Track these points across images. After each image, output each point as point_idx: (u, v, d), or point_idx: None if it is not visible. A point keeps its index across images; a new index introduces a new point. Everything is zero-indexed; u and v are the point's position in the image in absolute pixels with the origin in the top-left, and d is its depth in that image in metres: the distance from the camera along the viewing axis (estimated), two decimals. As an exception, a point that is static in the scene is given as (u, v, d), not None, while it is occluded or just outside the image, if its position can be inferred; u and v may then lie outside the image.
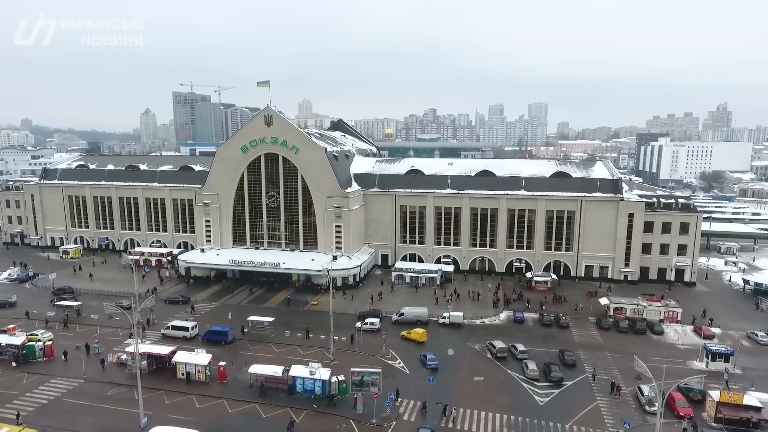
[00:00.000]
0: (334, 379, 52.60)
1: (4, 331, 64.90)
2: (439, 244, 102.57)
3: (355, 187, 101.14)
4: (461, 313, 74.90)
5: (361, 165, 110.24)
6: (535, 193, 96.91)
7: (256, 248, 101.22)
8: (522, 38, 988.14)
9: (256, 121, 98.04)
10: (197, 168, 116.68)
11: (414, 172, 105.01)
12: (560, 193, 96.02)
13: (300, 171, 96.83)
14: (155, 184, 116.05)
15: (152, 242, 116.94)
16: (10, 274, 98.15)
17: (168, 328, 68.99)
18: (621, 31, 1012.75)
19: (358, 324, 71.58)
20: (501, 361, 62.27)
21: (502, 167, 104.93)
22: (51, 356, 61.97)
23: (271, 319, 70.35)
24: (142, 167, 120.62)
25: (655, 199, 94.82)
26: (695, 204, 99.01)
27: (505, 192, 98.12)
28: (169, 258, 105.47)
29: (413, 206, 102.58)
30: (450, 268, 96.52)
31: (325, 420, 49.04)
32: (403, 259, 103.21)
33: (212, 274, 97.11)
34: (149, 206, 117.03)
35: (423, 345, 66.45)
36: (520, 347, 63.27)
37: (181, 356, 57.22)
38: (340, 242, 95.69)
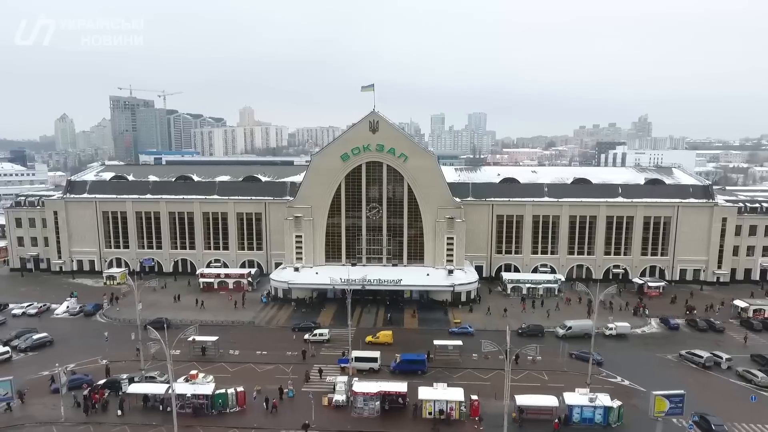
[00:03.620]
0: (615, 404, 48.82)
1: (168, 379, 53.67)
2: (536, 253, 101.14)
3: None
4: (628, 324, 73.79)
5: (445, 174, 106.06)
6: (634, 200, 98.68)
7: (353, 264, 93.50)
8: (428, 49, 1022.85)
9: (359, 127, 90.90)
10: (264, 178, 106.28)
11: (509, 181, 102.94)
12: (657, 200, 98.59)
13: (407, 180, 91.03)
14: (215, 196, 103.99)
15: (209, 262, 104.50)
16: (69, 307, 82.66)
17: (352, 359, 60.94)
18: (532, 45, 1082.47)
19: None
20: (710, 369, 61.74)
21: (591, 175, 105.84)
22: (243, 405, 52.07)
23: (458, 342, 64.58)
24: (196, 178, 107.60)
25: (741, 204, 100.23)
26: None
27: (605, 199, 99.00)
28: (249, 279, 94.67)
29: (510, 215, 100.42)
30: (561, 277, 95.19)
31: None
32: (499, 270, 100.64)
33: (314, 295, 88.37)
34: (207, 222, 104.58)
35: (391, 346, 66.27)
36: (725, 355, 63.12)
37: (427, 393, 50.32)
38: (452, 255, 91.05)
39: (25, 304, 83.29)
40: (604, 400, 48.89)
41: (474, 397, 50.73)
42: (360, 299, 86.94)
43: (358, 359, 60.27)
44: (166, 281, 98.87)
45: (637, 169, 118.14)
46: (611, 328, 72.57)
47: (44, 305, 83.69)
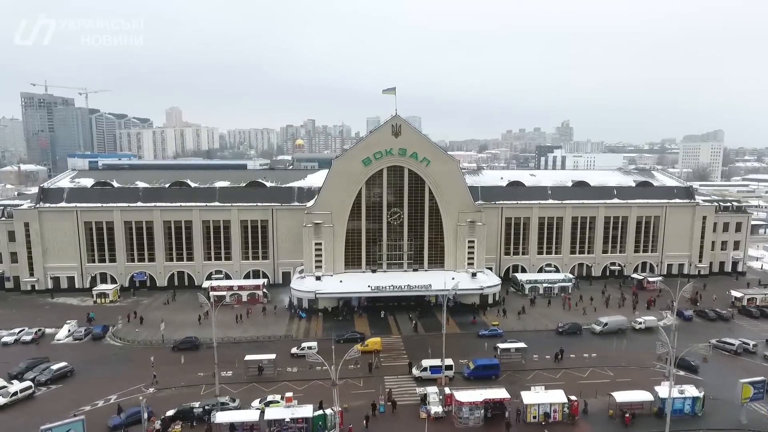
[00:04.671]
0: (701, 394, 51.90)
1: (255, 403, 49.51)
2: (541, 253, 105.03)
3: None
4: (654, 317, 78.75)
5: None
6: (628, 201, 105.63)
7: (374, 271, 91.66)
8: (355, 53, 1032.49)
9: (381, 131, 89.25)
10: (269, 184, 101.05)
11: (515, 184, 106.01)
12: (648, 201, 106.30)
13: (428, 185, 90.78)
14: (216, 203, 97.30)
15: (210, 274, 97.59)
16: (71, 331, 73.36)
17: (425, 369, 59.57)
18: (458, 50, 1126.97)
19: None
20: (740, 355, 67.58)
21: (588, 178, 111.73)
22: (341, 424, 49.05)
23: (521, 344, 65.31)
24: (193, 184, 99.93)
25: (716, 204, 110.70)
26: (745, 207, 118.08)
27: (603, 201, 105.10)
28: (265, 291, 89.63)
29: (518, 217, 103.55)
30: (572, 276, 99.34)
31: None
32: (507, 271, 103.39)
33: (340, 304, 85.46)
34: (206, 231, 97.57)
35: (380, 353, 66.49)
36: (751, 342, 69.34)
37: (531, 397, 50.44)
38: (473, 258, 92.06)
39: (16, 330, 72.76)
40: (691, 391, 51.88)
41: (573, 397, 51.61)
42: (384, 306, 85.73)
43: (436, 367, 59.19)
44: (168, 296, 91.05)
45: (622, 171, 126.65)
46: (640, 323, 77.11)
47: (39, 330, 73.61)
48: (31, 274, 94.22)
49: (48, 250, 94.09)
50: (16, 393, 53.99)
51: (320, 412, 48.17)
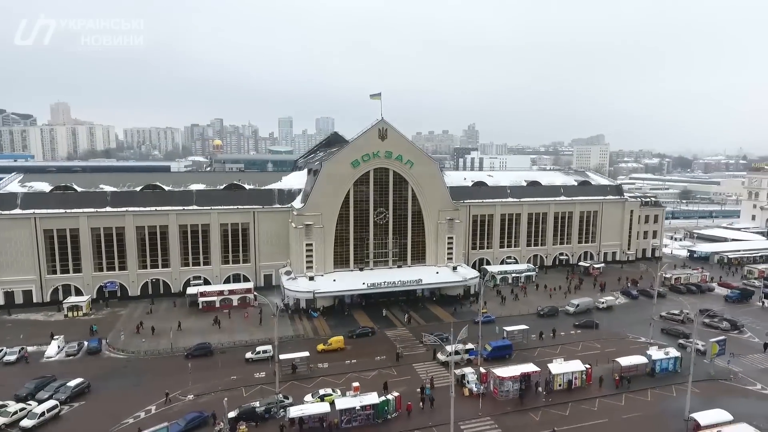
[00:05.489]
0: (678, 354, 63.07)
1: (314, 396, 51.23)
2: (503, 247, 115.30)
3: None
4: (613, 297, 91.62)
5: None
6: (572, 198, 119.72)
7: (361, 269, 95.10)
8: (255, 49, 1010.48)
9: (369, 135, 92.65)
10: (248, 186, 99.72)
11: (479, 184, 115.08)
12: (589, 198, 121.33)
13: (411, 185, 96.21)
14: (194, 207, 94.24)
15: (188, 280, 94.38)
16: (61, 347, 68.12)
17: (448, 354, 64.70)
18: (364, 52, 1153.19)
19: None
20: (684, 323, 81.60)
21: (537, 177, 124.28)
22: (399, 409, 52.68)
23: (524, 327, 73.08)
24: (166, 187, 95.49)
25: (639, 199, 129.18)
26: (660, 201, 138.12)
27: (553, 198, 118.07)
28: (255, 294, 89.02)
29: (483, 215, 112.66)
30: (533, 266, 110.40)
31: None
32: (474, 264, 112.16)
33: (336, 303, 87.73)
34: (183, 236, 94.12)
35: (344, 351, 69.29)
36: (686, 311, 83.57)
37: (557, 368, 57.94)
38: (452, 254, 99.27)
39: (-4, 350, 65.88)
40: (673, 352, 62.95)
41: (587, 366, 60.08)
42: (375, 302, 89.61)
43: (460, 351, 64.71)
44: (151, 306, 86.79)
45: (563, 172, 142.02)
46: (603, 302, 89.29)
47: (22, 348, 67.19)
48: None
49: (0, 263, 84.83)
50: (43, 413, 50.28)
51: (384, 398, 51.37)
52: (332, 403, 50.29)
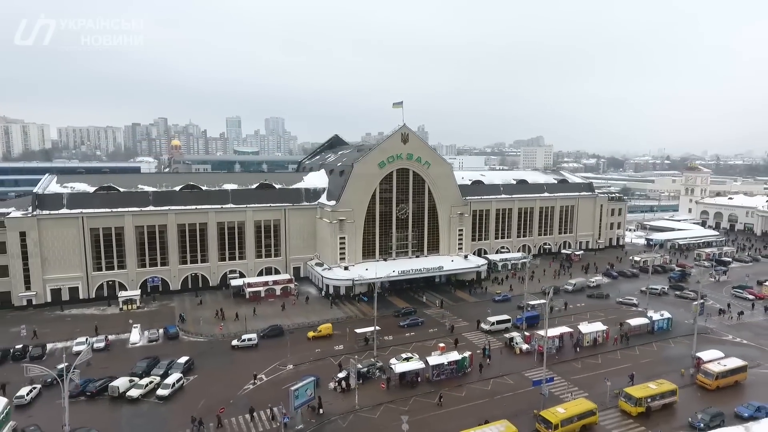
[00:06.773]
0: (671, 316, 79.18)
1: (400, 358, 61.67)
2: (497, 238, 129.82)
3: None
4: (600, 277, 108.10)
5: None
6: (554, 195, 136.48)
7: (385, 259, 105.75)
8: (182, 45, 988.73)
9: (393, 139, 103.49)
10: (278, 186, 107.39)
11: (477, 182, 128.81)
12: (566, 194, 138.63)
13: (428, 184, 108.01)
14: (230, 205, 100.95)
15: (225, 274, 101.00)
16: (147, 334, 74.26)
17: (491, 324, 77.30)
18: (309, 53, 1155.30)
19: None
20: (661, 295, 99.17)
21: (523, 176, 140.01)
22: (471, 365, 64.30)
23: (542, 301, 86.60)
24: (203, 187, 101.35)
25: (607, 195, 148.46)
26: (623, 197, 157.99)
27: (538, 195, 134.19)
28: (296, 284, 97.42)
29: (481, 210, 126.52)
30: (527, 255, 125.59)
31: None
32: (475, 254, 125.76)
33: (368, 289, 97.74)
34: (221, 232, 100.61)
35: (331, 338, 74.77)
36: (659, 286, 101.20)
37: (585, 327, 71.98)
38: (462, 244, 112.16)
39: (82, 339, 70.74)
40: (665, 313, 79.00)
41: (605, 327, 74.58)
42: (401, 288, 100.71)
43: (499, 322, 77.55)
44: (200, 298, 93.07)
45: (542, 171, 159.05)
46: (593, 282, 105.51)
47: (104, 337, 72.52)
48: (28, 288, 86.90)
49: (48, 261, 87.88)
50: (173, 384, 57.45)
51: (463, 355, 62.88)
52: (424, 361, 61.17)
